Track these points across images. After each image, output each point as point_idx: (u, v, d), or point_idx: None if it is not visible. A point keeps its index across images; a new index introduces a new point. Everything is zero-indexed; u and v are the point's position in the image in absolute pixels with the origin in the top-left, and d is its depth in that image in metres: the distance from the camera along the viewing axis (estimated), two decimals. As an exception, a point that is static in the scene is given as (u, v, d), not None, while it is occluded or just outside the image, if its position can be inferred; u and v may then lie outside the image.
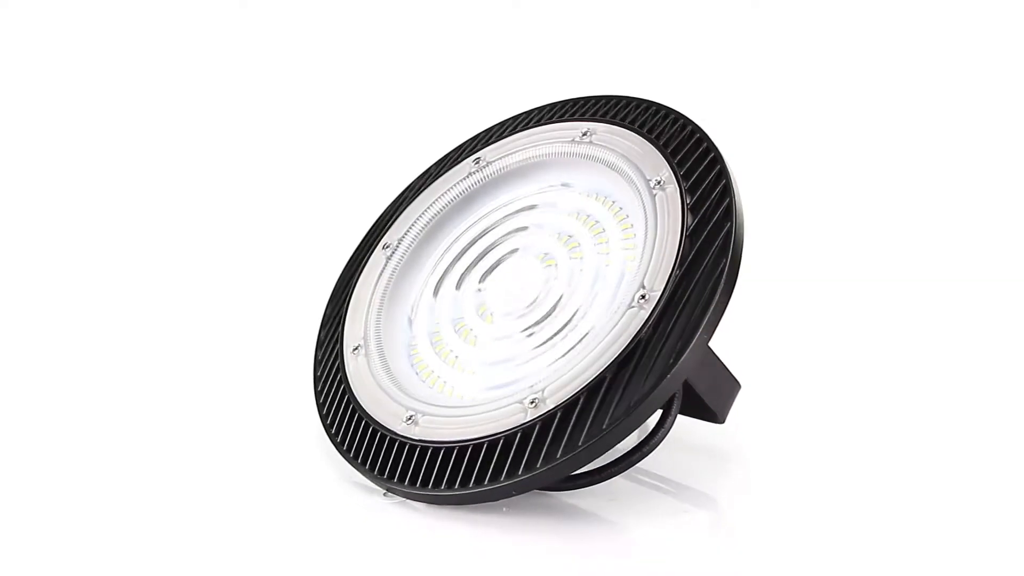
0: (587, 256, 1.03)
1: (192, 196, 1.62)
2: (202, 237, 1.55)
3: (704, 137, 1.00)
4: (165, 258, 1.49)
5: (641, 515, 0.96)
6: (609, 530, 0.95)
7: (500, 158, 1.10)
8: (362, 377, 1.03)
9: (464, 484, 0.93)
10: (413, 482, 0.95)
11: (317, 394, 1.06)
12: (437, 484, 0.94)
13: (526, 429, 0.91)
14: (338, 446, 1.02)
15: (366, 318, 1.07)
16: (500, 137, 1.12)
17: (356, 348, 1.05)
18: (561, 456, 0.90)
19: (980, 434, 1.10)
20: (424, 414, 0.97)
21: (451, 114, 1.64)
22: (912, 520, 0.95)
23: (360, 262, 1.13)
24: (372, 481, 0.98)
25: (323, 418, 1.05)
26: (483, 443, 0.92)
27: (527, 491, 0.92)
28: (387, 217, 1.15)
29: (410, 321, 1.08)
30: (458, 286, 1.08)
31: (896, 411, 1.14)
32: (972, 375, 1.21)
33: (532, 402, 0.92)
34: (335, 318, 1.11)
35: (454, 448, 0.94)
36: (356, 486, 1.01)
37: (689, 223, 0.94)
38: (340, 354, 1.07)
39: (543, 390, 0.92)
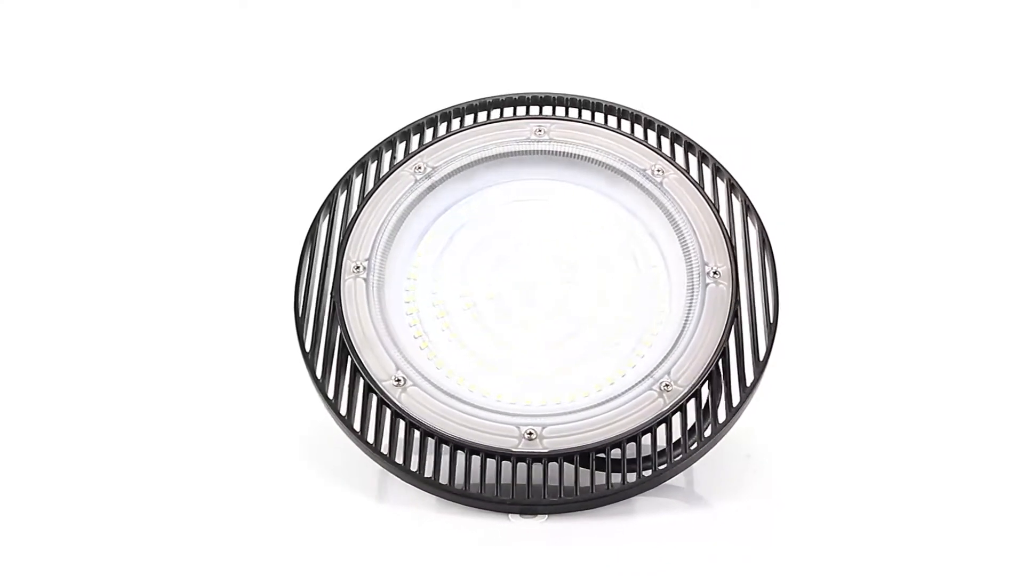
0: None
1: (190, 195, 1.61)
2: (202, 237, 1.54)
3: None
4: (164, 258, 1.48)
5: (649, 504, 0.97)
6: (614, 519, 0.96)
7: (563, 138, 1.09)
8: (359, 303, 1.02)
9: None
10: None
11: (299, 320, 1.02)
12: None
13: None
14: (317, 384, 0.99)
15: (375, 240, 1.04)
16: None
17: (358, 268, 1.02)
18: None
19: (982, 434, 1.10)
20: (413, 383, 0.97)
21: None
22: (912, 520, 0.96)
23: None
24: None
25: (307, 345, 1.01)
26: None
27: None
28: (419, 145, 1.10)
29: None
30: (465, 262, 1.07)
31: (900, 411, 1.14)
32: (972, 375, 1.21)
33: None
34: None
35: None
36: (349, 486, 1.01)
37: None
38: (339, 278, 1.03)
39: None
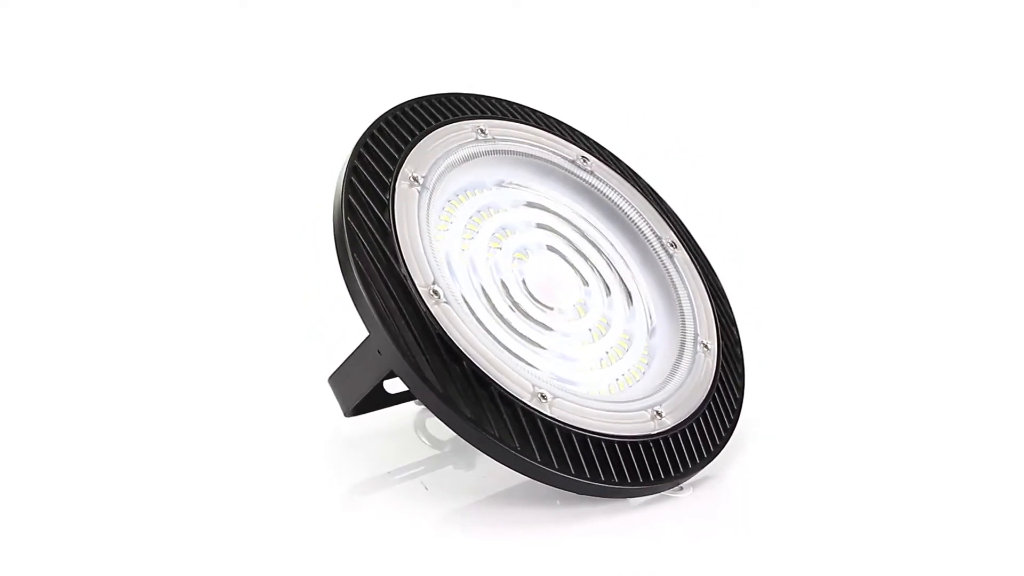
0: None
1: (191, 195, 1.62)
2: (202, 237, 1.55)
3: None
4: (164, 258, 1.49)
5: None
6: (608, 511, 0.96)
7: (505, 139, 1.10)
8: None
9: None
10: None
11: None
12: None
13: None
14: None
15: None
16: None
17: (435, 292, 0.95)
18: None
19: (981, 433, 1.10)
20: (554, 395, 0.95)
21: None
22: (910, 520, 0.96)
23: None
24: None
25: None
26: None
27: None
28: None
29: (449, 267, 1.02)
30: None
31: (894, 410, 1.15)
32: (970, 375, 1.22)
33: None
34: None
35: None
36: (357, 486, 1.02)
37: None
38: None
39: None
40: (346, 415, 1.06)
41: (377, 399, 1.08)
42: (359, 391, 1.03)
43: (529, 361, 0.99)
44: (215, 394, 1.19)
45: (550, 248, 1.09)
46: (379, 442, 1.10)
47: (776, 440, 1.09)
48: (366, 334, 0.96)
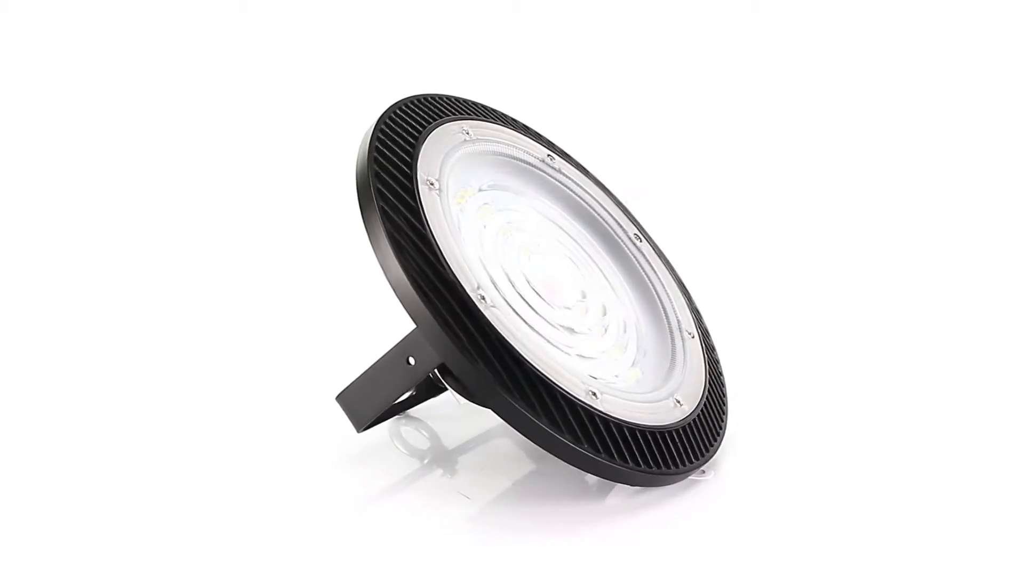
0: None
1: (193, 195, 1.63)
2: (202, 237, 1.56)
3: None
4: (165, 259, 1.49)
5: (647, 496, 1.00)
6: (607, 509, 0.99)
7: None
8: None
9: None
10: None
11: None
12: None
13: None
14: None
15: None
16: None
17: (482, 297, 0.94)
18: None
19: (977, 433, 1.11)
20: (602, 392, 0.96)
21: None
22: (906, 519, 0.98)
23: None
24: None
25: None
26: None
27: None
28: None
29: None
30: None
31: (890, 410, 1.15)
32: (968, 375, 1.22)
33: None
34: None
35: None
36: (361, 488, 1.02)
37: None
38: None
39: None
40: (359, 431, 1.04)
41: (388, 410, 1.06)
42: (381, 404, 1.01)
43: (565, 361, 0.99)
44: (231, 404, 1.17)
45: (545, 247, 1.09)
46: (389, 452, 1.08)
47: (750, 429, 1.11)
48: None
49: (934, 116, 1.77)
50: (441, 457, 1.08)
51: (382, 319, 1.08)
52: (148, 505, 0.99)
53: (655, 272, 1.15)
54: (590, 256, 1.14)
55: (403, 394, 1.01)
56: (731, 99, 1.82)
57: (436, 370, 0.99)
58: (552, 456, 0.93)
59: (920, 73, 1.83)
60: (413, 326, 0.92)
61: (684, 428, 1.01)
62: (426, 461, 1.07)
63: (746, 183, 1.65)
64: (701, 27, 1.88)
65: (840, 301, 1.37)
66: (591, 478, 1.01)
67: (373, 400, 1.02)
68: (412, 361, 0.97)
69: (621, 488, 1.01)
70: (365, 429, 1.04)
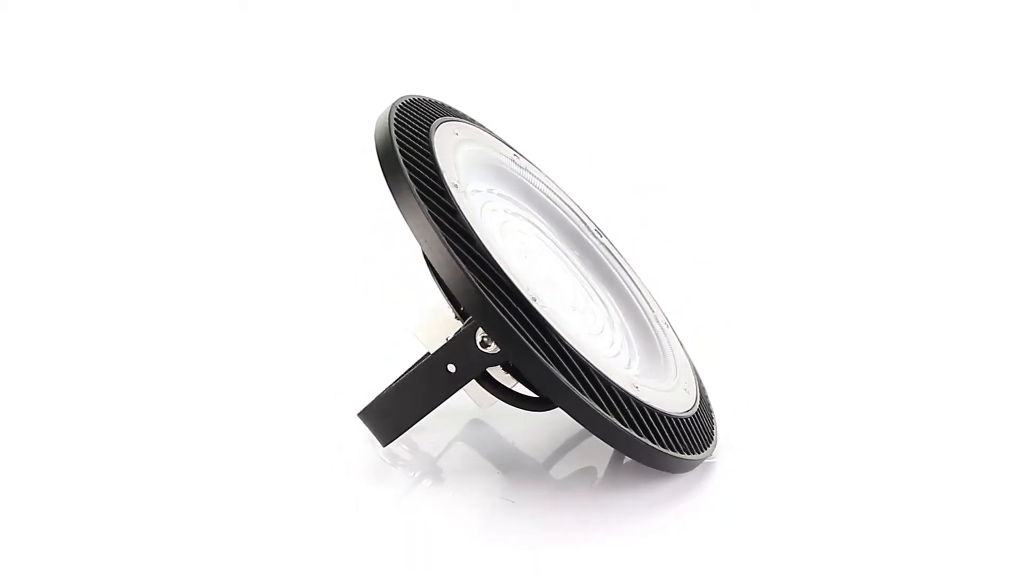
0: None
1: (192, 195, 1.62)
2: (201, 237, 1.55)
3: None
4: (165, 259, 1.48)
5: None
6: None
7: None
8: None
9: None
10: None
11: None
12: None
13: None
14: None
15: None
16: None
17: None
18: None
19: (972, 430, 1.10)
20: (639, 386, 0.97)
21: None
22: (903, 518, 0.97)
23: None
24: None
25: None
26: None
27: None
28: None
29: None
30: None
31: (886, 409, 1.14)
32: (965, 375, 1.22)
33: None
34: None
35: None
36: (367, 489, 1.00)
37: None
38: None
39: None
40: (384, 445, 1.01)
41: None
42: (418, 414, 0.98)
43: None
44: (231, 406, 1.14)
45: (534, 248, 1.08)
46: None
47: (750, 429, 1.11)
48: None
49: (933, 116, 1.78)
50: (430, 472, 1.06)
51: (382, 319, 1.06)
52: (148, 505, 0.98)
53: (622, 267, 1.15)
54: (567, 256, 1.13)
55: (443, 402, 0.98)
56: (731, 99, 1.81)
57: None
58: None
59: (920, 73, 1.84)
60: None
61: (694, 416, 1.03)
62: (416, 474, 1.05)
63: (746, 183, 1.65)
64: (701, 27, 1.88)
65: (838, 301, 1.36)
66: (592, 478, 1.01)
67: (407, 412, 0.98)
68: (453, 369, 0.95)
69: (621, 488, 1.00)
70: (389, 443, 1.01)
